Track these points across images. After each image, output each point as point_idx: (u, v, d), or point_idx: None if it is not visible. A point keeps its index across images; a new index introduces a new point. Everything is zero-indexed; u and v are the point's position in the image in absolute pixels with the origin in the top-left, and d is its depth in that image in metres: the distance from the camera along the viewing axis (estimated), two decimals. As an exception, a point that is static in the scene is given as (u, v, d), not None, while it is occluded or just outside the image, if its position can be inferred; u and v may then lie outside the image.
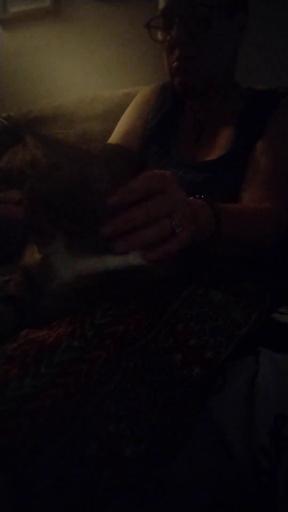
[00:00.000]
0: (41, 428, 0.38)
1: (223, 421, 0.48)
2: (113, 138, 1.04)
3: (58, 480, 0.37)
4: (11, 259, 0.64)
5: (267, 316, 0.59)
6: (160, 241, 0.49)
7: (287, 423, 0.45)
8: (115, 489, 0.39)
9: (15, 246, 0.62)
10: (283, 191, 0.80)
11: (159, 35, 0.87)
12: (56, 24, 1.72)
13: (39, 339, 0.45)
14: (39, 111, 1.52)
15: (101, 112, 1.38)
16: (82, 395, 0.41)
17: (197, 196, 0.63)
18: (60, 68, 1.74)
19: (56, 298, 0.53)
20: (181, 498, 0.45)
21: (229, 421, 0.48)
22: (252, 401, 0.47)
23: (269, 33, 1.33)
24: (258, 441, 0.45)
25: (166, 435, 0.43)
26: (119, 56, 1.61)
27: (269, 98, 0.88)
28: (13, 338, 0.46)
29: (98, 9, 1.62)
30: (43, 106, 1.54)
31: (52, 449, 0.37)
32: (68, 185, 0.47)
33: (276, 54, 1.34)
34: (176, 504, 0.45)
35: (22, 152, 1.29)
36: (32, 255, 0.57)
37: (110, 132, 1.08)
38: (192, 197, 0.61)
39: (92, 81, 1.68)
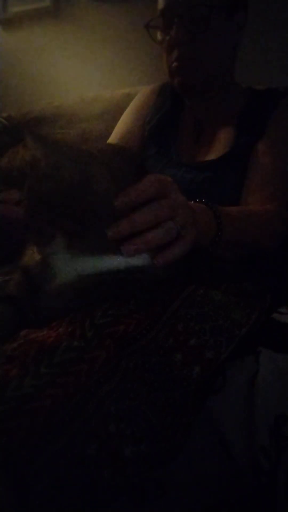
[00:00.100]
0: (41, 428, 0.38)
1: (223, 421, 0.48)
2: (112, 139, 1.04)
3: (58, 480, 0.37)
4: (11, 259, 0.64)
5: (267, 316, 0.59)
6: (165, 244, 0.50)
7: (287, 423, 0.45)
8: (115, 489, 0.39)
9: (15, 246, 0.62)
10: (285, 192, 0.80)
11: (159, 35, 0.87)
12: (56, 24, 1.72)
13: (39, 339, 0.45)
14: (39, 111, 1.53)
15: (101, 112, 1.38)
16: (82, 395, 0.41)
17: (197, 200, 0.64)
18: (60, 68, 1.74)
19: (56, 298, 0.53)
20: (181, 498, 0.45)
21: (229, 421, 0.48)
22: (252, 401, 0.47)
23: (269, 33, 1.33)
24: (258, 441, 0.45)
25: (166, 435, 0.43)
26: (119, 56, 1.61)
27: (269, 97, 0.88)
28: (13, 338, 0.46)
29: (98, 9, 1.62)
30: (43, 106, 1.55)
31: (52, 449, 0.37)
32: (68, 185, 0.47)
33: (276, 54, 1.34)
34: (176, 504, 0.45)
35: (22, 152, 1.29)
36: (32, 255, 0.57)
37: (110, 132, 1.08)
38: (192, 202, 0.61)
39: (92, 81, 1.68)
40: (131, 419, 0.41)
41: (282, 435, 0.44)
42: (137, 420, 0.42)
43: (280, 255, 0.81)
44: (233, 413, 0.48)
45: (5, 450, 0.36)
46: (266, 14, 1.30)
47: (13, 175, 1.24)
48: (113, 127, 1.08)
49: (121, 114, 1.08)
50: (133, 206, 0.48)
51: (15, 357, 0.42)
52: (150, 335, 0.48)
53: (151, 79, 1.26)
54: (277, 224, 0.77)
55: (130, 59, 1.58)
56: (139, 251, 0.48)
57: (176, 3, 0.81)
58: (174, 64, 0.85)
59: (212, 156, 0.86)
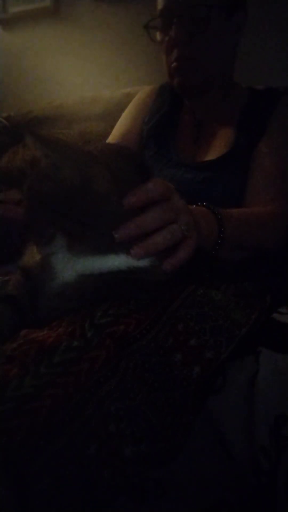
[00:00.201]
0: (41, 428, 0.38)
1: (223, 421, 0.48)
2: (111, 140, 1.04)
3: (58, 480, 0.37)
4: (11, 259, 0.64)
5: (267, 316, 0.59)
6: (172, 245, 0.51)
7: (287, 423, 0.45)
8: (115, 489, 0.39)
9: (15, 246, 0.62)
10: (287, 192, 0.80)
11: (158, 36, 0.87)
12: (56, 24, 1.72)
13: (39, 339, 0.45)
14: (39, 111, 1.53)
15: (101, 112, 1.38)
16: (82, 395, 0.41)
17: (198, 203, 0.65)
18: (60, 68, 1.74)
19: (56, 298, 0.53)
20: (181, 498, 0.45)
21: (229, 421, 0.48)
22: (252, 401, 0.47)
23: (269, 33, 1.33)
24: (258, 441, 0.45)
25: (166, 435, 0.43)
26: (119, 56, 1.61)
27: (269, 97, 0.88)
28: (13, 338, 0.46)
29: (98, 9, 1.62)
30: (43, 106, 1.55)
31: (52, 449, 0.37)
32: (68, 186, 0.47)
33: (276, 54, 1.34)
34: (176, 504, 0.45)
35: (22, 152, 1.29)
36: (32, 255, 0.57)
37: (110, 132, 1.08)
38: (194, 206, 0.62)
39: (92, 81, 1.68)
40: (131, 419, 0.41)
41: (282, 435, 0.44)
42: (137, 420, 0.42)
43: (280, 255, 0.81)
44: (233, 413, 0.48)
45: (5, 450, 0.36)
46: (266, 14, 1.30)
47: (13, 175, 1.24)
48: (113, 127, 1.08)
49: (121, 114, 1.08)
50: (138, 207, 0.49)
51: (15, 357, 0.42)
52: (150, 335, 0.48)
53: (151, 79, 1.26)
54: (280, 225, 0.77)
55: (130, 59, 1.58)
56: (147, 253, 0.50)
57: (175, 4, 0.81)
58: (174, 64, 0.85)
59: (212, 156, 0.86)
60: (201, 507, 0.46)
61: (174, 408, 0.44)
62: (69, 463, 0.38)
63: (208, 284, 0.59)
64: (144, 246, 0.49)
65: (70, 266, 0.51)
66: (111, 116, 1.27)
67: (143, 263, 0.51)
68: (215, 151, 0.86)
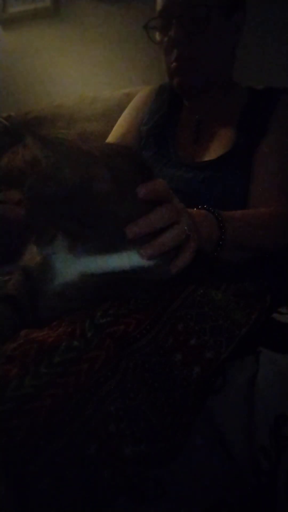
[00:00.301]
0: (41, 428, 0.38)
1: (223, 421, 0.48)
2: (111, 141, 1.04)
3: (58, 480, 0.37)
4: (11, 259, 0.64)
5: (267, 316, 0.59)
6: (177, 245, 0.52)
7: (287, 423, 0.45)
8: (115, 489, 0.39)
9: (15, 246, 0.62)
10: None
11: (158, 36, 0.87)
12: (56, 24, 1.72)
13: (39, 339, 0.45)
14: (39, 111, 1.53)
15: (101, 112, 1.38)
16: (82, 395, 0.41)
17: (199, 206, 0.65)
18: (60, 68, 1.74)
19: (56, 297, 0.53)
20: (181, 498, 0.45)
21: (229, 421, 0.48)
22: (252, 401, 0.47)
23: (269, 33, 1.33)
24: (258, 441, 0.45)
25: (166, 435, 0.43)
26: (119, 56, 1.61)
27: (269, 96, 0.88)
28: (13, 338, 0.46)
29: (98, 9, 1.62)
30: (43, 106, 1.55)
31: (52, 449, 0.37)
32: (68, 186, 0.47)
33: (276, 54, 1.34)
34: (176, 504, 0.45)
35: (22, 152, 1.29)
36: (32, 255, 0.57)
37: (110, 132, 1.08)
38: (195, 209, 0.64)
39: (92, 81, 1.68)
40: (131, 419, 0.41)
41: (282, 435, 0.44)
42: (137, 420, 0.42)
43: (280, 255, 0.81)
44: (233, 413, 0.48)
45: (5, 450, 0.36)
46: (266, 14, 1.31)
47: (13, 175, 1.24)
48: (113, 127, 1.08)
49: (121, 114, 1.08)
50: (148, 200, 0.50)
51: (15, 357, 0.42)
52: (150, 335, 0.48)
53: (151, 79, 1.26)
54: (282, 225, 0.77)
55: (130, 59, 1.58)
56: (157, 253, 0.50)
57: (174, 4, 0.81)
58: (173, 64, 0.85)
59: (212, 155, 0.86)
60: (201, 507, 0.45)
61: (174, 408, 0.44)
62: (69, 463, 0.38)
63: (208, 284, 0.59)
64: (153, 246, 0.50)
65: (72, 266, 0.51)
66: (111, 116, 1.27)
67: (147, 262, 0.51)
68: (215, 150, 0.86)
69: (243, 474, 0.45)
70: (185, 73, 0.85)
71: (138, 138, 0.99)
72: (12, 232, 0.75)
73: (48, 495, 0.36)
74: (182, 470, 0.45)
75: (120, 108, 1.14)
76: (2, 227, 0.85)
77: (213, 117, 0.91)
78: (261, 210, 0.77)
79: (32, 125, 1.47)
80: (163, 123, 0.96)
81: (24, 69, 1.82)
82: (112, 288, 0.52)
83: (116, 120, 1.08)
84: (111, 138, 1.05)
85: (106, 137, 1.09)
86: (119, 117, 1.08)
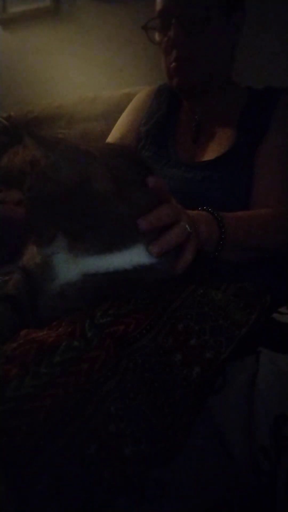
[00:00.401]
0: (41, 428, 0.38)
1: (223, 421, 0.48)
2: (110, 141, 1.04)
3: (58, 480, 0.37)
4: (11, 259, 0.64)
5: (267, 316, 0.59)
6: (180, 244, 0.54)
7: (287, 423, 0.45)
8: (115, 489, 0.39)
9: (15, 246, 0.62)
10: None
11: (157, 36, 0.87)
12: (56, 24, 1.72)
13: (39, 339, 0.45)
14: (39, 111, 1.53)
15: (101, 112, 1.38)
16: (82, 395, 0.41)
17: (199, 208, 0.66)
18: (60, 68, 1.74)
19: (57, 298, 0.53)
20: (181, 498, 0.45)
21: (229, 421, 0.48)
22: (252, 401, 0.47)
23: (269, 33, 1.33)
24: (258, 441, 0.45)
25: (166, 435, 0.43)
26: (119, 56, 1.61)
27: (269, 96, 0.88)
28: (13, 338, 0.46)
29: (98, 9, 1.62)
30: (43, 106, 1.55)
31: (52, 449, 0.37)
32: (67, 186, 0.47)
33: (276, 54, 1.34)
34: (176, 504, 0.45)
35: (22, 152, 1.29)
36: (32, 255, 0.57)
37: (110, 132, 1.08)
38: (196, 211, 0.65)
39: (92, 81, 1.68)
40: (131, 419, 0.41)
41: (282, 435, 0.44)
42: (137, 420, 0.42)
43: (280, 255, 0.81)
44: (233, 413, 0.48)
45: (5, 450, 0.36)
46: (265, 14, 1.30)
47: (13, 175, 1.24)
48: (113, 127, 1.08)
49: (121, 114, 1.08)
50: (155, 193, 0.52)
51: (15, 357, 0.42)
52: (150, 335, 0.48)
53: (151, 79, 1.26)
54: (284, 226, 0.77)
55: (130, 59, 1.58)
56: (164, 250, 0.52)
57: (173, 4, 0.81)
58: (173, 64, 0.85)
59: (211, 155, 0.86)
60: (201, 507, 0.46)
61: (174, 408, 0.44)
62: (69, 463, 0.38)
63: (208, 284, 0.59)
64: (161, 243, 0.51)
65: (72, 266, 0.51)
66: (111, 116, 1.27)
67: (149, 261, 0.51)
68: (215, 150, 0.86)
69: (243, 474, 0.45)
70: (185, 73, 0.85)
71: (136, 140, 0.99)
72: (12, 232, 0.75)
73: (48, 495, 0.36)
74: (182, 470, 0.45)
75: (120, 108, 1.14)
76: (2, 227, 0.85)
77: (213, 117, 0.91)
78: (262, 210, 0.77)
79: (32, 125, 1.47)
80: (162, 124, 0.96)
81: (24, 69, 1.82)
82: (113, 288, 0.52)
83: (116, 120, 1.08)
84: (110, 139, 1.05)
85: (106, 137, 1.09)
86: (119, 117, 1.08)
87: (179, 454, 0.44)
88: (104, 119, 1.35)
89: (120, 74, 1.62)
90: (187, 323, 0.50)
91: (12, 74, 1.84)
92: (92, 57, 1.67)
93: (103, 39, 1.63)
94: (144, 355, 0.46)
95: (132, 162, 0.54)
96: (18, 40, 1.82)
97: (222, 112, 0.91)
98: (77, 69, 1.71)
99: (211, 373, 0.48)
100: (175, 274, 0.55)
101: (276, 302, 0.63)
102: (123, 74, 1.61)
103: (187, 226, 0.54)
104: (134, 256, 0.51)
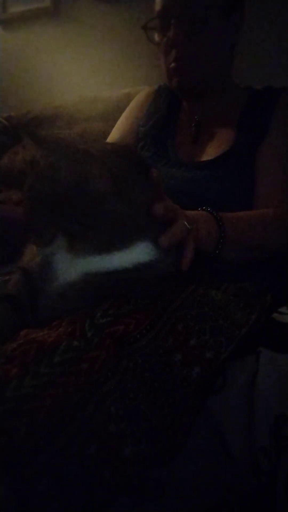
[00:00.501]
0: (41, 428, 0.38)
1: (223, 421, 0.48)
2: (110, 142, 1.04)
3: (58, 480, 0.37)
4: (11, 259, 0.64)
5: (267, 316, 0.59)
6: (181, 240, 0.55)
7: (287, 423, 0.45)
8: (115, 489, 0.39)
9: (15, 246, 0.62)
10: None
11: (156, 37, 0.87)
12: (56, 24, 1.72)
13: (39, 339, 0.45)
14: (39, 111, 1.53)
15: (101, 112, 1.38)
16: (82, 395, 0.41)
17: (199, 209, 0.66)
18: (60, 68, 1.74)
19: (57, 298, 0.53)
20: (181, 498, 0.45)
21: (229, 421, 0.48)
22: (252, 401, 0.47)
23: (269, 33, 1.33)
24: (258, 441, 0.45)
25: (166, 435, 0.43)
26: (119, 56, 1.60)
27: (269, 96, 0.88)
28: (13, 338, 0.46)
29: (98, 9, 1.62)
30: (43, 106, 1.55)
31: (52, 449, 0.37)
32: (66, 186, 0.47)
33: (276, 54, 1.34)
34: (176, 504, 0.45)
35: (22, 152, 1.29)
36: (32, 255, 0.57)
37: (110, 132, 1.08)
38: (195, 211, 0.65)
39: (92, 81, 1.68)
40: (131, 419, 0.41)
41: (282, 435, 0.44)
42: (137, 420, 0.42)
43: (280, 255, 0.81)
44: (233, 413, 0.48)
45: (5, 450, 0.36)
46: (265, 14, 1.30)
47: (13, 175, 1.24)
48: (113, 127, 1.08)
49: (121, 114, 1.08)
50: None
51: (15, 357, 0.42)
52: (150, 335, 0.48)
53: (151, 79, 1.26)
54: (285, 226, 0.76)
55: (130, 59, 1.58)
56: (172, 243, 0.53)
57: (172, 4, 0.81)
58: (172, 65, 0.85)
59: (211, 155, 0.86)
60: (201, 507, 0.46)
61: (174, 408, 0.44)
62: (69, 463, 0.38)
63: (208, 284, 0.59)
64: (168, 235, 0.53)
65: (72, 266, 0.51)
66: (111, 116, 1.27)
67: (148, 258, 0.51)
68: (215, 150, 0.86)
69: (243, 474, 0.45)
70: (184, 73, 0.85)
71: (137, 139, 0.99)
72: (12, 232, 0.75)
73: (48, 495, 0.36)
74: (182, 470, 0.45)
75: (120, 108, 1.13)
76: (2, 227, 0.85)
77: (213, 117, 0.91)
78: (263, 210, 0.77)
79: (32, 125, 1.47)
80: (162, 124, 0.96)
81: (24, 69, 1.82)
82: (113, 287, 0.52)
83: (116, 120, 1.08)
84: (110, 139, 1.05)
85: (106, 137, 1.09)
86: (119, 117, 1.08)
87: (179, 454, 0.44)
88: (104, 119, 1.35)
89: (120, 74, 1.62)
90: (187, 323, 0.50)
91: (12, 74, 1.84)
92: (92, 57, 1.67)
93: (103, 39, 1.63)
94: (144, 355, 0.46)
95: (131, 162, 0.54)
96: (18, 40, 1.82)
97: (222, 112, 0.90)
98: (77, 69, 1.71)
99: (211, 373, 0.48)
100: (180, 272, 0.56)
101: (276, 302, 0.63)
102: (123, 74, 1.61)
103: (185, 223, 0.55)
104: (134, 255, 0.51)
